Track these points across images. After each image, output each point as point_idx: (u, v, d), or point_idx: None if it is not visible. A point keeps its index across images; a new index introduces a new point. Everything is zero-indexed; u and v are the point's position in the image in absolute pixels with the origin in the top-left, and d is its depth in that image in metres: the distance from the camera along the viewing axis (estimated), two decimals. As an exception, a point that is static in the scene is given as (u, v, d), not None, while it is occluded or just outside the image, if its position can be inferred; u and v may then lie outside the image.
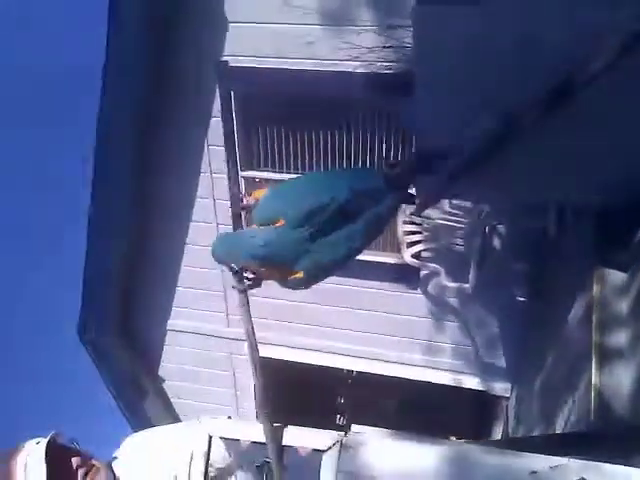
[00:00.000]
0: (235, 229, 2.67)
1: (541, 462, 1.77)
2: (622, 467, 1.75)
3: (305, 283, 2.47)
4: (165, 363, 5.75)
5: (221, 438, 2.11)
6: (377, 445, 1.96)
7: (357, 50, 3.77)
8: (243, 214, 2.66)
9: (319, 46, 3.84)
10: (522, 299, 4.43)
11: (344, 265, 2.61)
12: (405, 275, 4.67)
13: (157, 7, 3.87)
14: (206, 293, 5.21)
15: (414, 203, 3.17)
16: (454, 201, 4.04)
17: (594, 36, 2.28)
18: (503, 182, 2.93)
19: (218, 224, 4.69)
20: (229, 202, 2.75)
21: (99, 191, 4.37)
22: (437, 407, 6.00)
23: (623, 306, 2.80)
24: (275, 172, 4.47)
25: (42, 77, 10.20)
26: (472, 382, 5.00)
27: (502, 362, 4.82)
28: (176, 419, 5.85)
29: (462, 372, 4.98)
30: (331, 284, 4.33)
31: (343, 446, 1.95)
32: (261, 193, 2.58)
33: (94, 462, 1.97)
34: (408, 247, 4.42)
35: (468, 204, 4.05)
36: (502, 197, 3.69)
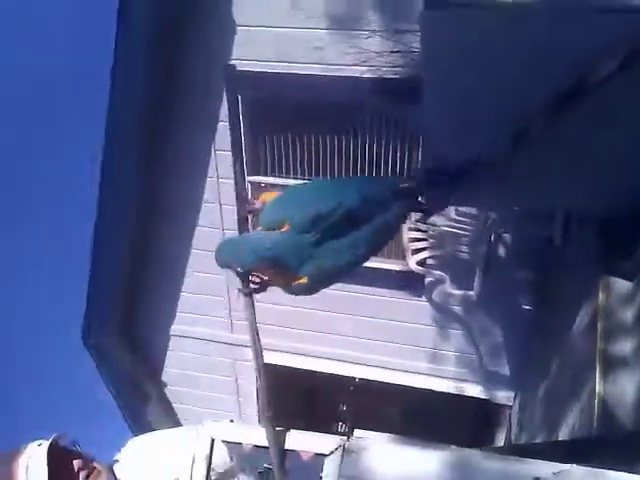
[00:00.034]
0: (241, 233, 2.67)
1: (544, 468, 1.76)
2: (626, 474, 1.74)
3: (309, 289, 2.44)
4: (168, 368, 5.74)
5: (223, 441, 2.10)
6: (380, 450, 1.94)
7: (365, 55, 3.77)
8: (250, 217, 2.66)
9: (327, 51, 3.85)
10: (527, 307, 4.42)
11: (349, 272, 2.57)
12: (410, 282, 4.66)
13: (166, 9, 3.89)
14: (210, 298, 5.20)
15: (423, 211, 3.15)
16: (460, 208, 4.04)
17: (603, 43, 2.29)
18: (508, 190, 2.92)
19: (224, 229, 4.68)
20: (235, 207, 2.76)
21: (105, 193, 4.38)
22: (439, 415, 5.99)
23: (628, 315, 2.80)
24: (282, 177, 4.48)
25: (52, 77, 10.26)
26: (475, 390, 4.99)
27: (506, 370, 4.80)
28: (177, 425, 5.82)
29: (465, 380, 4.97)
30: (335, 290, 4.31)
31: (345, 451, 1.94)
32: (269, 197, 2.57)
33: (95, 465, 1.96)
34: (413, 254, 4.41)
35: (474, 211, 4.05)
36: (507, 205, 3.69)
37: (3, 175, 10.66)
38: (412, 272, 4.50)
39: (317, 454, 1.97)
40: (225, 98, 2.90)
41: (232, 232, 4.10)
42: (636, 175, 2.67)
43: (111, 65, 3.84)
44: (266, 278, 2.39)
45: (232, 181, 2.84)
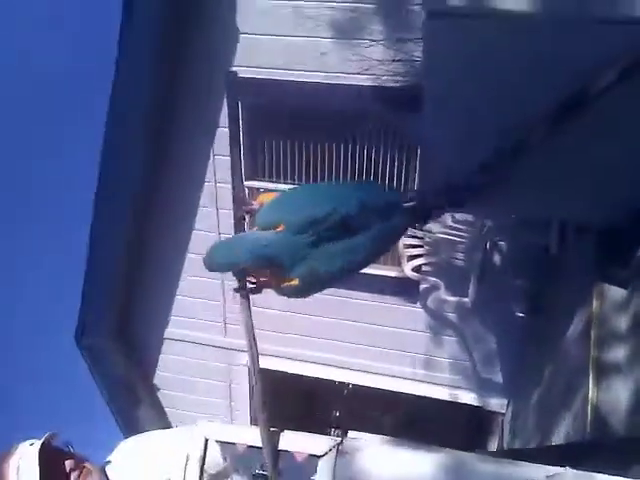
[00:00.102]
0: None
1: (537, 471, 1.77)
2: (619, 478, 1.75)
3: (300, 291, 2.42)
4: (161, 371, 5.72)
5: (217, 442, 2.10)
6: (373, 451, 1.95)
7: (366, 63, 3.79)
8: (247, 217, 2.66)
9: (328, 59, 3.86)
10: (521, 315, 4.42)
11: (342, 278, 2.56)
12: (405, 288, 4.67)
13: (169, 13, 3.90)
14: (205, 302, 5.20)
15: (425, 224, 3.12)
16: (456, 215, 4.06)
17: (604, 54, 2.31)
18: (507, 198, 2.94)
19: (220, 233, 4.69)
20: (232, 211, 2.76)
21: (102, 195, 4.38)
22: (433, 422, 5.98)
23: (622, 322, 2.81)
24: (280, 183, 4.49)
25: (54, 78, 10.27)
26: (468, 397, 4.99)
27: (499, 378, 4.81)
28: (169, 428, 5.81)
29: (458, 387, 4.97)
30: (329, 296, 4.33)
31: (339, 452, 1.94)
32: (266, 197, 2.58)
33: (87, 465, 1.94)
34: (409, 260, 4.43)
35: (470, 219, 4.06)
36: (504, 213, 3.71)
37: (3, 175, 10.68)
38: (407, 278, 4.50)
39: (311, 455, 1.97)
40: (226, 103, 2.92)
41: (228, 236, 4.10)
42: (634, 185, 2.69)
43: (113, 66, 3.85)
44: (262, 279, 2.40)
45: (230, 185, 2.84)
